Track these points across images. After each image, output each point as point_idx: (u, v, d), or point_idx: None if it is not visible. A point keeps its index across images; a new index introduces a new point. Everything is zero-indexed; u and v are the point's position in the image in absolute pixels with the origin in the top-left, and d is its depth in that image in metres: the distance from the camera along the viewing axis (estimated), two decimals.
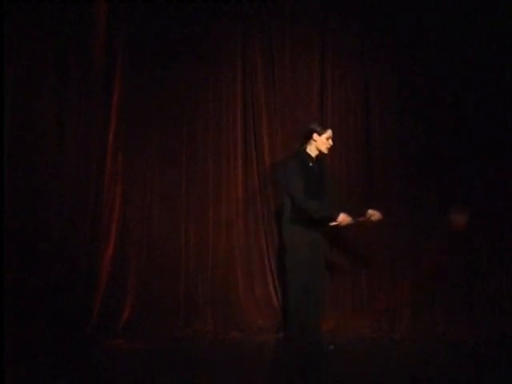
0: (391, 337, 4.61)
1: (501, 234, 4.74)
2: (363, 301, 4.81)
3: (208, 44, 4.93)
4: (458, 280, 4.72)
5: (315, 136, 4.15)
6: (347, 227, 4.11)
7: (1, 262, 3.83)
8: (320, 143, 4.16)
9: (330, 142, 4.19)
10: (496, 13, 4.74)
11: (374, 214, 4.10)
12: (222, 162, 4.93)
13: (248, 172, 4.98)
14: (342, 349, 4.24)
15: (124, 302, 4.66)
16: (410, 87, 4.93)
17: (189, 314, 4.72)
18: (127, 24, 4.80)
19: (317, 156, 4.21)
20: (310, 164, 4.17)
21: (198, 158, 4.91)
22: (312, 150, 4.20)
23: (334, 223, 3.99)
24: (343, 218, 3.98)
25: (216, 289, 4.80)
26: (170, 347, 4.36)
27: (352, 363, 3.98)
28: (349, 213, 4.01)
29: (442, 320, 4.64)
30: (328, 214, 3.99)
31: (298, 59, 5.01)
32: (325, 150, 4.19)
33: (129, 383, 3.60)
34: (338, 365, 3.95)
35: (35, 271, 4.24)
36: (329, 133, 4.17)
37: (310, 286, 4.09)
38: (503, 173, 4.76)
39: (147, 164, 4.84)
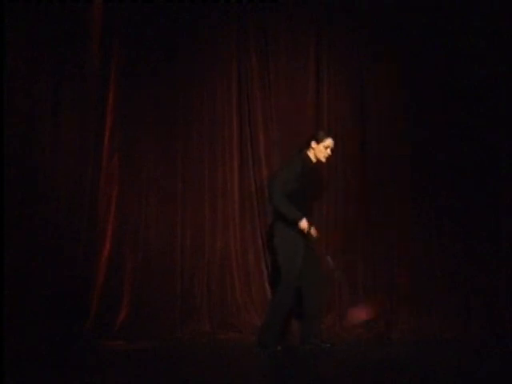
0: (388, 337, 4.62)
1: (498, 234, 4.76)
2: (360, 300, 4.80)
3: (204, 45, 4.93)
4: (455, 280, 4.74)
5: (313, 143, 4.19)
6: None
7: (1, 262, 3.83)
8: (318, 151, 4.19)
9: (329, 151, 4.19)
10: (496, 13, 4.75)
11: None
12: (217, 163, 4.92)
13: (244, 173, 4.98)
14: (338, 349, 4.23)
15: (120, 302, 4.65)
16: (406, 89, 4.94)
17: (185, 315, 4.72)
18: (123, 25, 4.80)
19: (316, 162, 4.25)
20: (311, 167, 4.21)
21: (194, 158, 4.90)
22: (312, 156, 4.23)
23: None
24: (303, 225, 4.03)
25: (212, 289, 4.80)
26: (167, 347, 4.35)
27: (348, 363, 3.97)
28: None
29: (439, 319, 4.66)
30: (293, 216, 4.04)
31: (293, 61, 5.00)
32: (322, 159, 4.21)
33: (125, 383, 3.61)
34: (335, 365, 3.94)
35: (33, 272, 4.24)
36: (327, 142, 4.17)
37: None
38: (501, 174, 4.78)
39: (143, 165, 4.83)
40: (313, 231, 4.12)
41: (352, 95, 5.00)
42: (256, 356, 4.14)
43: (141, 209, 4.79)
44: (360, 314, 4.17)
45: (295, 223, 4.03)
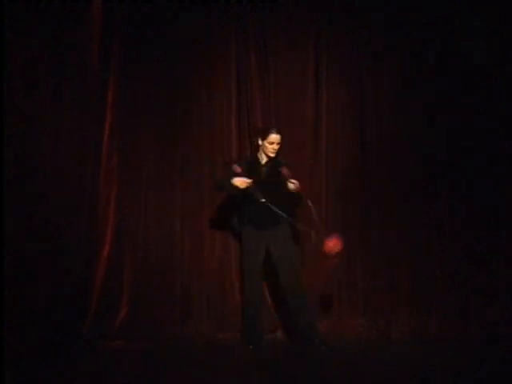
0: (388, 336, 4.62)
1: (497, 234, 4.75)
2: (359, 300, 4.81)
3: (204, 45, 4.93)
4: (455, 280, 4.74)
5: (259, 141, 4.30)
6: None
7: (1, 262, 3.83)
8: (264, 147, 4.27)
9: (274, 146, 4.24)
10: (496, 13, 4.75)
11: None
12: (217, 163, 4.90)
13: None
14: (338, 349, 4.24)
15: (120, 302, 4.65)
16: (406, 89, 4.93)
17: (185, 315, 4.72)
18: (123, 25, 4.80)
19: (269, 159, 4.31)
20: (259, 166, 4.31)
21: (193, 158, 4.89)
22: (261, 153, 4.33)
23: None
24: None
25: (212, 289, 4.80)
26: (166, 347, 4.35)
27: (348, 363, 3.98)
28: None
29: (439, 319, 4.65)
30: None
31: (293, 61, 4.99)
32: (270, 154, 4.27)
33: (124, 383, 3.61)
34: (335, 365, 3.95)
35: (32, 272, 4.24)
36: (271, 138, 4.22)
37: None
38: (501, 174, 4.77)
39: (143, 165, 4.83)
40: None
41: (352, 95, 4.99)
42: (255, 356, 4.15)
43: (140, 209, 4.79)
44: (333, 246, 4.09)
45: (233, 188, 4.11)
